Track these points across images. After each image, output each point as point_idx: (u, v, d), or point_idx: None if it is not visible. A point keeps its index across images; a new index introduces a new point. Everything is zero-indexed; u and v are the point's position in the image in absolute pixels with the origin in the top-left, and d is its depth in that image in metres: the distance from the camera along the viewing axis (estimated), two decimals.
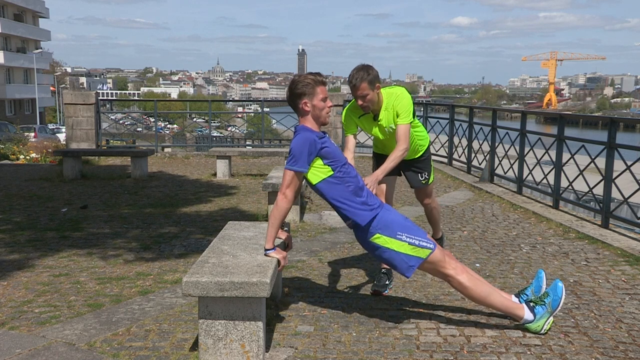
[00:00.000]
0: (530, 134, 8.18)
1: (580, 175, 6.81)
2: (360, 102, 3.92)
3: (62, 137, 25.67)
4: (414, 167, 4.37)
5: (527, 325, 3.39)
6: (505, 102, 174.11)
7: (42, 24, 58.04)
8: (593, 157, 6.69)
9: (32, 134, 26.37)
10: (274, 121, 19.64)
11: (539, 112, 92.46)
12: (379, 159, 4.34)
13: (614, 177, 6.07)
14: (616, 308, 3.83)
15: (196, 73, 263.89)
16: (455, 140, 10.98)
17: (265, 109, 15.93)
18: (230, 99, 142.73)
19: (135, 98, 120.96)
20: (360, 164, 11.16)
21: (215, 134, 32.99)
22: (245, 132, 35.01)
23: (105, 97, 41.91)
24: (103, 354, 3.09)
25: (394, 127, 4.02)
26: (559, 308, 3.41)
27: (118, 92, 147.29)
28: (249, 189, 8.51)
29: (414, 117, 4.07)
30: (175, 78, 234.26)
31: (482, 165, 9.53)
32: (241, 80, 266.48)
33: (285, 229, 3.76)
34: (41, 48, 55.76)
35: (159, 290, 4.12)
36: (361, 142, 13.00)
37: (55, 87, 61.59)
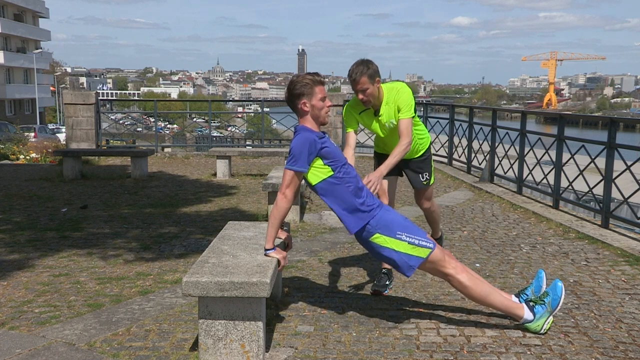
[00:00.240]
0: (530, 134, 8.18)
1: (580, 175, 6.81)
2: (360, 97, 3.90)
3: (62, 137, 25.66)
4: (414, 167, 4.36)
5: (527, 325, 3.39)
6: (505, 102, 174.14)
7: (42, 24, 58.08)
8: (593, 157, 6.69)
9: (32, 134, 26.37)
10: (274, 121, 19.64)
11: (539, 112, 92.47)
12: (380, 158, 4.33)
13: (614, 177, 6.07)
14: (616, 308, 3.83)
15: (196, 73, 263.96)
16: (455, 140, 10.98)
17: (265, 109, 15.94)
18: (230, 99, 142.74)
19: (135, 98, 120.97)
20: (360, 164, 11.16)
21: (215, 134, 32.99)
22: (245, 132, 35.00)
23: (105, 97, 41.95)
24: (103, 354, 3.10)
25: (394, 123, 4.01)
26: (559, 307, 3.41)
27: (118, 92, 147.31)
28: (249, 189, 8.51)
29: (415, 113, 4.06)
30: (175, 78, 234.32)
31: (482, 165, 9.52)
32: (241, 80, 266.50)
33: (285, 228, 3.76)
34: (41, 48, 55.77)
35: (159, 290, 4.12)
36: (361, 142, 12.99)
37: (55, 87, 61.59)
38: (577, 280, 4.40)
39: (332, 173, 3.30)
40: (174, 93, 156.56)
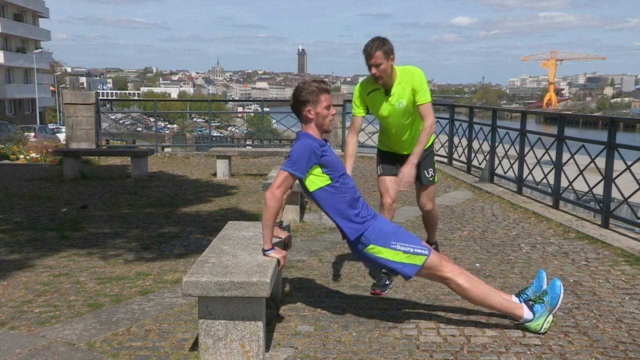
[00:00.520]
0: (530, 134, 8.18)
1: (580, 175, 6.81)
2: (373, 71, 3.87)
3: (62, 137, 25.66)
4: (419, 163, 4.34)
5: (527, 324, 3.39)
6: (505, 102, 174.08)
7: (42, 24, 58.10)
8: (593, 157, 6.69)
9: (32, 134, 26.37)
10: (274, 121, 19.64)
11: (539, 112, 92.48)
12: (384, 156, 4.32)
13: (614, 177, 6.08)
14: (616, 308, 3.83)
15: (196, 73, 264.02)
16: (455, 140, 10.98)
17: (265, 109, 15.93)
18: (230, 98, 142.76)
19: (135, 98, 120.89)
20: (360, 164, 11.16)
21: (215, 134, 32.96)
22: (245, 132, 35.02)
23: (105, 97, 41.91)
24: (103, 353, 3.10)
25: (404, 104, 3.99)
26: (558, 306, 3.41)
27: (118, 92, 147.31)
28: (249, 189, 8.51)
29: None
30: (175, 78, 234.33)
31: (482, 165, 9.52)
32: (241, 80, 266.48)
33: (285, 227, 3.76)
34: (41, 48, 55.77)
35: (159, 290, 4.12)
36: (361, 142, 12.98)
37: (55, 87, 61.59)
38: (577, 280, 4.40)
39: (329, 182, 3.31)
40: (174, 93, 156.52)
